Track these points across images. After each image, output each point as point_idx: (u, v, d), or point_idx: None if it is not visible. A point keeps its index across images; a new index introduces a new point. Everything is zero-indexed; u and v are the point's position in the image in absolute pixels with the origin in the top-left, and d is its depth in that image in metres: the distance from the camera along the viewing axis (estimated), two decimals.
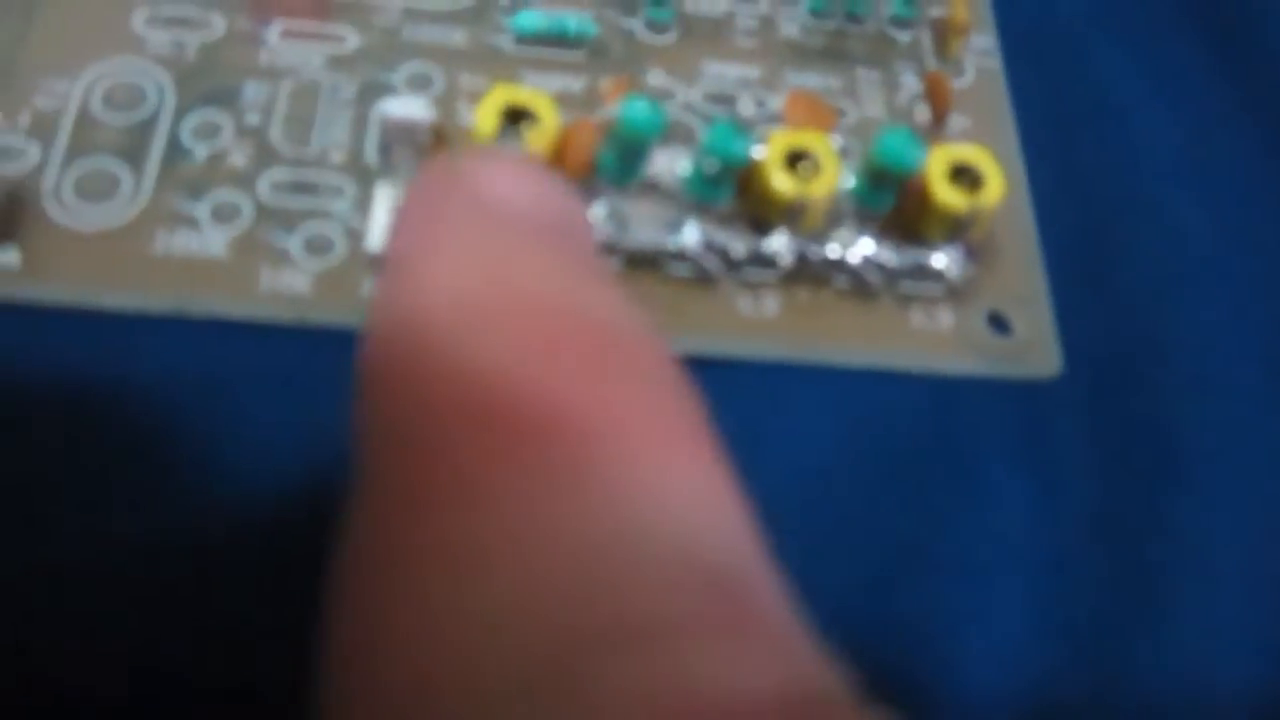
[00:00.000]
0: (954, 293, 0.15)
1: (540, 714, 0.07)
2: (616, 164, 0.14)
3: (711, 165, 0.14)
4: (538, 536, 0.07)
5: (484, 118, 0.14)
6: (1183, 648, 0.14)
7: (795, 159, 0.14)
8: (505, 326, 0.08)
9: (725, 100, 0.16)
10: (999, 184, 0.15)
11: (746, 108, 0.16)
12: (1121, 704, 0.13)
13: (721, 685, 0.07)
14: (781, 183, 0.14)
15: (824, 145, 0.14)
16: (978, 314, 0.15)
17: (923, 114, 0.17)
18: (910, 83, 0.17)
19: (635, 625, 0.07)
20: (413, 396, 0.08)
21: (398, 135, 0.13)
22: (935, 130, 0.17)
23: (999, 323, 0.15)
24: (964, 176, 0.15)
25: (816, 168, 0.14)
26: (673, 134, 0.16)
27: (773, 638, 0.07)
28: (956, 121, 0.17)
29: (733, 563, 0.08)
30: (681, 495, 0.08)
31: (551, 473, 0.08)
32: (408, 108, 0.13)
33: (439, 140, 0.14)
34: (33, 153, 0.15)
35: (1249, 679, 0.14)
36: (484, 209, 0.09)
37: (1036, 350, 0.15)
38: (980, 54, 0.18)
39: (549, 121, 0.14)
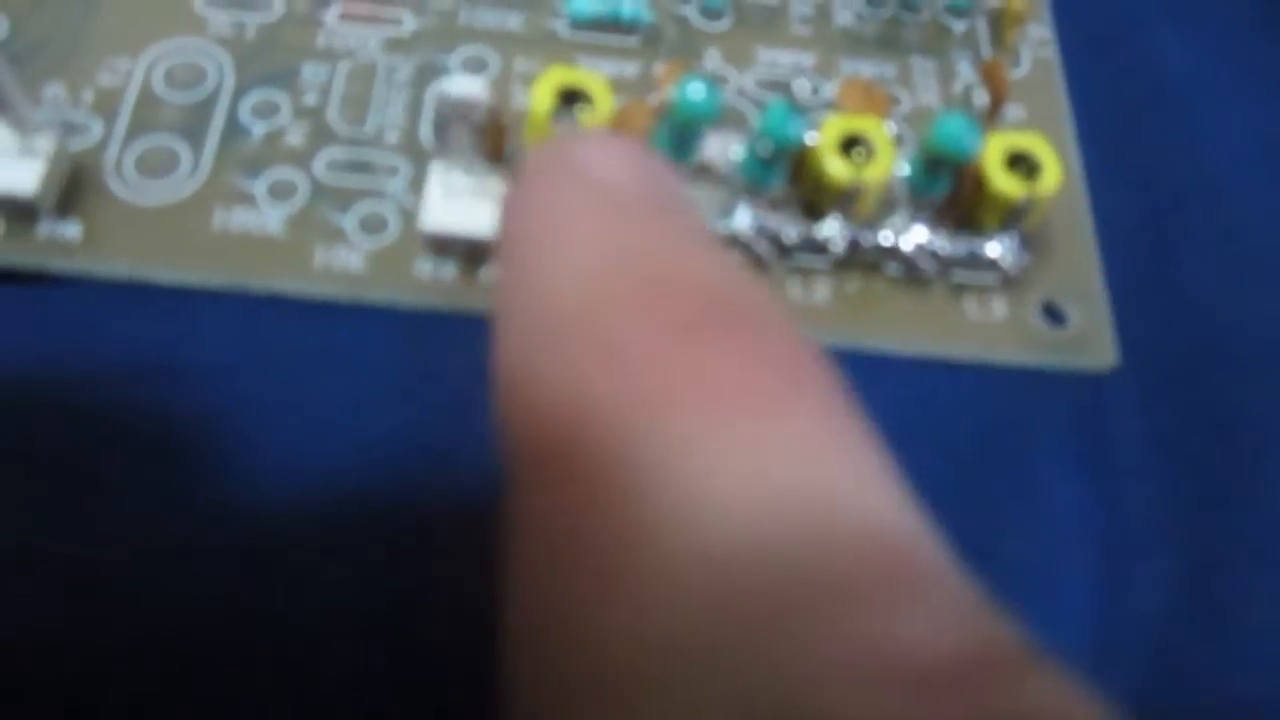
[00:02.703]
0: (1008, 282, 0.15)
1: (731, 681, 0.07)
2: (670, 146, 0.14)
3: (765, 147, 0.14)
4: (698, 499, 0.07)
5: (539, 98, 0.14)
6: (1250, 647, 0.13)
7: (849, 144, 0.14)
8: (632, 309, 0.09)
9: (779, 86, 0.16)
10: (1056, 172, 0.14)
11: (802, 90, 0.16)
12: (1188, 704, 0.13)
13: (904, 646, 0.07)
14: (836, 168, 0.14)
15: (879, 131, 0.14)
16: (1032, 304, 0.15)
17: (979, 101, 0.17)
18: (966, 72, 0.17)
19: (810, 589, 0.07)
20: (552, 391, 0.08)
21: (455, 114, 0.13)
22: (991, 119, 0.16)
23: (1054, 314, 0.15)
24: (1020, 164, 0.14)
25: (871, 153, 0.14)
26: (726, 119, 0.16)
27: (945, 594, 0.07)
28: (1012, 111, 0.17)
29: (886, 519, 0.08)
30: (814, 448, 0.08)
31: (691, 446, 0.08)
32: (466, 87, 0.13)
33: (495, 122, 0.14)
34: (96, 129, 0.15)
35: None
36: (596, 192, 0.10)
37: (1092, 342, 0.15)
38: (1036, 43, 0.17)
39: (603, 103, 0.14)
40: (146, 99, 0.15)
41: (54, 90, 0.15)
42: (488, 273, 0.14)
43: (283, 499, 0.13)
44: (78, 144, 0.15)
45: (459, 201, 0.14)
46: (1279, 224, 0.16)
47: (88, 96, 0.15)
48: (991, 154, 0.14)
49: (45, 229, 0.14)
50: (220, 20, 0.16)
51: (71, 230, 0.14)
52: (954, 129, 0.14)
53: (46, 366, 0.14)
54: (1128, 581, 0.14)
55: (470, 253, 0.14)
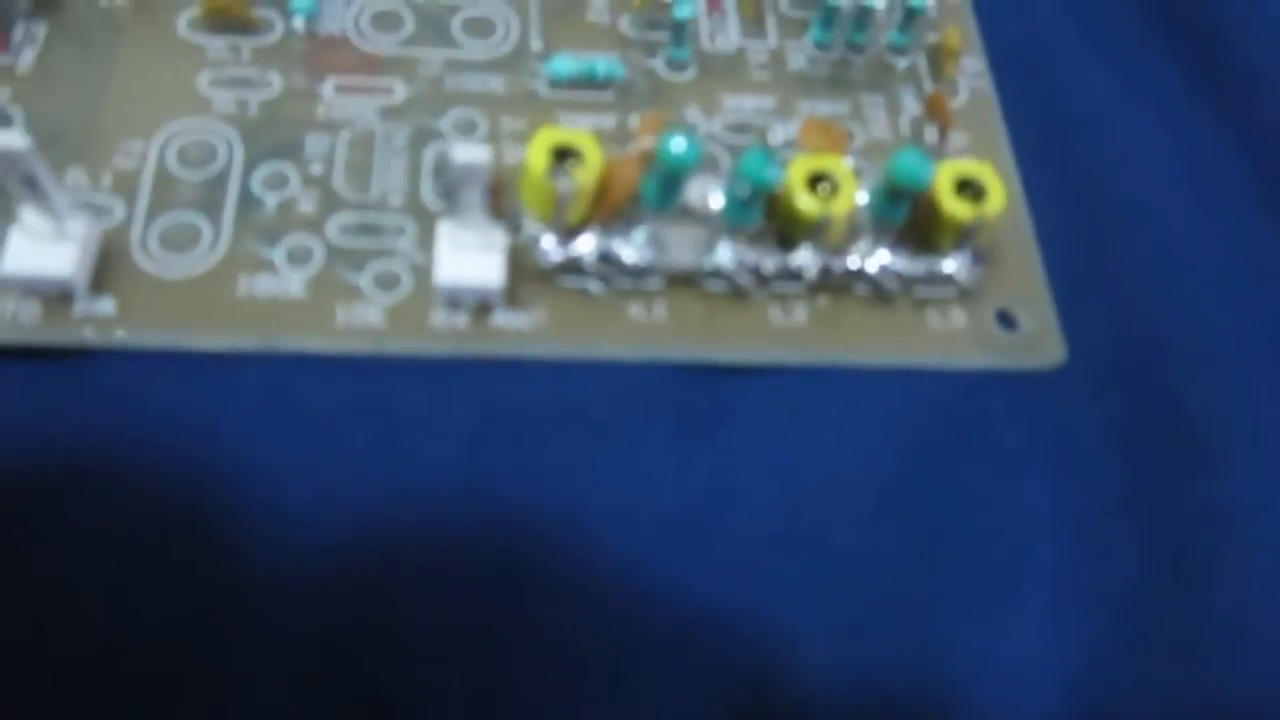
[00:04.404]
0: (964, 294, 0.17)
1: None
2: (657, 193, 0.16)
3: (743, 190, 0.15)
4: None
5: (535, 158, 0.15)
6: (1214, 618, 0.15)
7: (816, 181, 0.16)
8: None
9: (745, 129, 0.18)
10: (1000, 194, 0.16)
11: (776, 137, 0.18)
12: (1157, 675, 0.15)
13: None
14: (806, 203, 0.16)
15: (841, 167, 0.16)
16: (987, 313, 0.17)
17: (924, 131, 0.18)
18: (911, 104, 0.19)
19: None
20: None
21: (464, 179, 0.15)
22: (939, 146, 0.18)
23: (1007, 319, 0.17)
24: (968, 189, 0.16)
25: (835, 188, 0.16)
26: (703, 164, 0.17)
27: None
28: (955, 138, 0.18)
29: None
30: None
31: None
32: (471, 154, 0.14)
33: (497, 182, 0.15)
34: (119, 210, 0.16)
35: None
36: None
37: (1043, 342, 0.17)
38: (972, 75, 0.19)
39: (593, 158, 0.15)
40: (163, 178, 0.16)
41: (74, 175, 0.16)
42: (497, 319, 0.16)
43: (315, 542, 0.15)
44: (103, 224, 0.16)
45: (468, 256, 0.15)
46: (1198, 228, 0.18)
47: (107, 179, 0.16)
48: (942, 182, 0.16)
49: (81, 308, 0.15)
50: (224, 99, 0.17)
51: (106, 306, 0.15)
52: (909, 163, 0.15)
53: (88, 434, 0.15)
54: (1097, 562, 0.15)
55: (480, 302, 0.16)
